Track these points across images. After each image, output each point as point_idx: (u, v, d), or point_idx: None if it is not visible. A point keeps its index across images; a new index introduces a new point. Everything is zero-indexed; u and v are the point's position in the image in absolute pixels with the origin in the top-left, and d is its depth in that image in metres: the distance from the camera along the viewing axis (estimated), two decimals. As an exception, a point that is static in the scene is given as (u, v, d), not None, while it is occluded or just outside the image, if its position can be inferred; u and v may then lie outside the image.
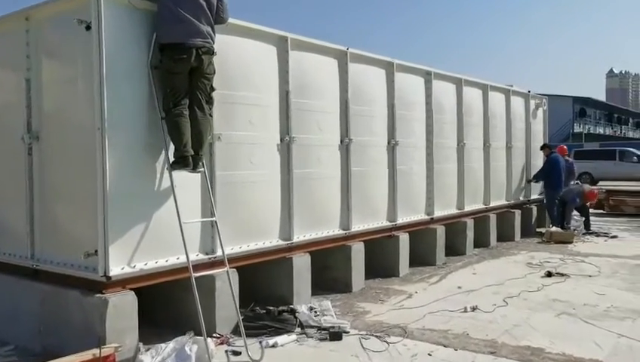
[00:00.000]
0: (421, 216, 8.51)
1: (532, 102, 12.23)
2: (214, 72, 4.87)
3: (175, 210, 4.62)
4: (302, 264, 6.21)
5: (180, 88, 4.60)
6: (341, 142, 6.93)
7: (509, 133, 11.16)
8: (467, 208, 9.63)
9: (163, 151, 4.72)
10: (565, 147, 13.24)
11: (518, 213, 11.29)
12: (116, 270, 4.44)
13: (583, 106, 55.24)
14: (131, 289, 4.59)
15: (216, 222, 5.03)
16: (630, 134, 66.63)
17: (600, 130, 60.65)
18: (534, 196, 12.37)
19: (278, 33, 6.11)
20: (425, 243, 8.63)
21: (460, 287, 7.09)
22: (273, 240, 6.02)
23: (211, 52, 4.72)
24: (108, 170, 4.36)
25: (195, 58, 4.57)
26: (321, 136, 6.62)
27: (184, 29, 4.53)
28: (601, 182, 29.84)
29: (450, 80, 9.35)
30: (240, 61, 5.66)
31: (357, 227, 7.15)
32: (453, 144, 9.36)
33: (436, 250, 8.59)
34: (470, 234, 9.56)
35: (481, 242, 10.24)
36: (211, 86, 4.84)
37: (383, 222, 7.70)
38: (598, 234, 11.65)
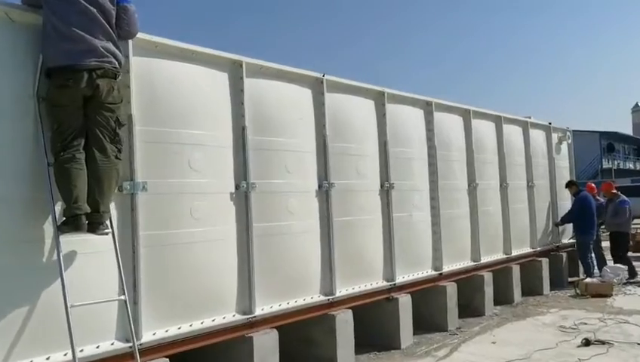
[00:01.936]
0: (427, 271, 7.14)
1: (554, 136, 10.87)
2: (121, 101, 3.73)
3: (62, 289, 3.39)
4: (268, 344, 4.89)
5: (70, 124, 3.46)
6: (319, 187, 5.71)
7: (530, 170, 9.78)
8: (484, 259, 8.21)
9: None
10: (594, 185, 11.78)
11: (545, 261, 9.78)
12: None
13: (610, 141, 53.25)
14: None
15: (126, 301, 3.77)
16: (662, 168, 63.93)
17: (630, 165, 58.29)
18: (564, 240, 10.85)
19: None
20: (433, 304, 7.22)
21: (474, 364, 5.66)
22: (228, 315, 4.74)
23: (113, 74, 3.59)
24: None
25: (86, 83, 3.44)
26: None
27: (72, 48, 3.42)
28: (636, 220, 27.98)
29: (456, 111, 8.12)
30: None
31: (343, 290, 5.83)
32: (464, 185, 8.04)
33: (447, 313, 7.16)
34: (489, 291, 8.10)
35: (503, 298, 8.76)
36: (117, 119, 3.68)
37: (379, 283, 6.35)
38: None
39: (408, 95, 7.14)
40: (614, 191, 11.23)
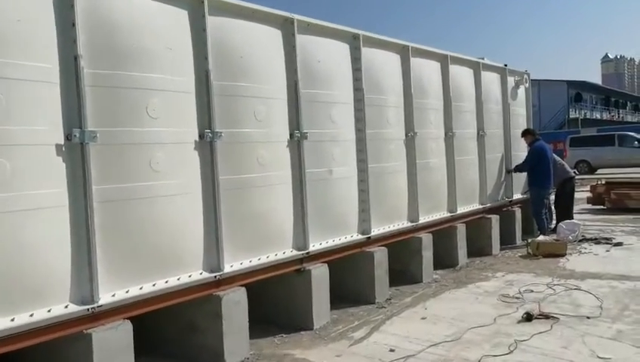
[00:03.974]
0: (352, 236, 6.11)
1: (510, 80, 9.79)
2: None
3: None
4: (116, 338, 3.81)
5: None
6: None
7: (480, 118, 8.72)
8: (423, 219, 7.22)
9: None
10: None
11: (495, 219, 8.87)
12: None
13: (578, 91, 52.80)
14: None
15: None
16: (629, 118, 64.17)
17: (597, 115, 58.19)
18: (517, 195, 9.95)
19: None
20: (359, 273, 6.23)
21: (392, 351, 4.68)
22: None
23: None
24: None
25: None
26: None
27: None
28: (600, 171, 27.59)
29: (392, 47, 6.93)
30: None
31: (235, 265, 4.76)
32: (399, 135, 6.94)
33: (374, 282, 6.18)
34: (427, 255, 7.15)
35: (447, 261, 7.87)
36: None
37: (286, 252, 5.30)
38: (598, 241, 9.25)
39: (328, 25, 5.90)
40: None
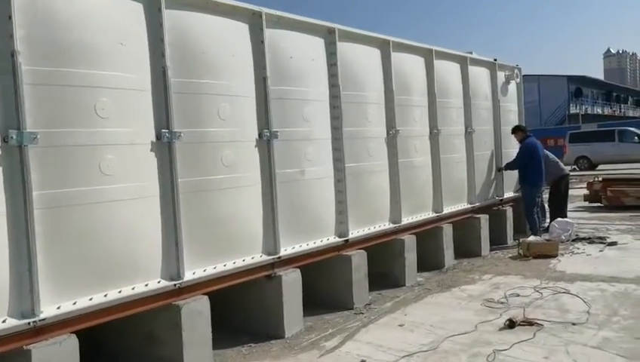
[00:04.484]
0: (328, 238, 5.85)
1: (500, 75, 9.50)
2: None
3: None
4: (59, 354, 3.56)
5: None
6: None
7: (468, 114, 8.44)
8: (406, 220, 6.96)
9: None
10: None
11: (485, 218, 8.59)
12: None
13: (578, 86, 52.34)
14: None
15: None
16: (630, 113, 63.70)
17: (598, 110, 57.74)
18: (509, 194, 9.67)
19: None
20: (336, 277, 5.97)
21: (363, 362, 4.44)
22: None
23: None
24: None
25: None
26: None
27: None
28: (600, 167, 27.25)
29: (371, 42, 6.65)
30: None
31: (198, 272, 4.50)
32: (380, 133, 6.67)
33: (352, 287, 5.92)
34: (410, 257, 6.88)
35: (432, 262, 7.60)
36: None
37: (255, 257, 5.03)
38: (591, 241, 8.97)
39: (301, 19, 5.63)
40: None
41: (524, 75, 10.36)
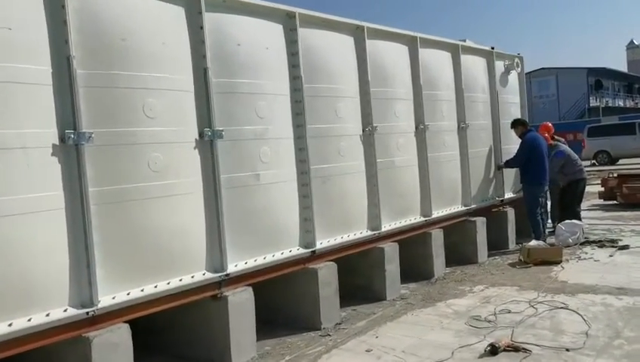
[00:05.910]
0: (290, 250, 5.18)
1: (499, 64, 8.72)
2: None
3: None
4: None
5: None
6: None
7: (462, 108, 7.69)
8: (387, 226, 6.26)
9: None
10: (550, 124, 9.69)
11: (481, 222, 7.82)
12: None
13: (598, 78, 50.75)
14: None
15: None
16: (653, 105, 61.69)
17: (620, 103, 56.02)
18: (510, 194, 8.88)
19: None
20: (300, 294, 5.31)
21: (311, 400, 3.76)
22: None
23: None
24: None
25: None
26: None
27: None
28: (621, 161, 26.09)
29: (342, 28, 5.95)
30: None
31: (119, 296, 3.86)
32: (355, 130, 5.98)
33: (319, 305, 5.24)
34: (392, 268, 6.17)
35: (421, 272, 6.89)
36: None
37: (196, 276, 4.39)
38: (602, 244, 8.16)
39: (252, 2, 4.95)
40: (551, 142, 9.20)
41: (541, 69, 9.99)
